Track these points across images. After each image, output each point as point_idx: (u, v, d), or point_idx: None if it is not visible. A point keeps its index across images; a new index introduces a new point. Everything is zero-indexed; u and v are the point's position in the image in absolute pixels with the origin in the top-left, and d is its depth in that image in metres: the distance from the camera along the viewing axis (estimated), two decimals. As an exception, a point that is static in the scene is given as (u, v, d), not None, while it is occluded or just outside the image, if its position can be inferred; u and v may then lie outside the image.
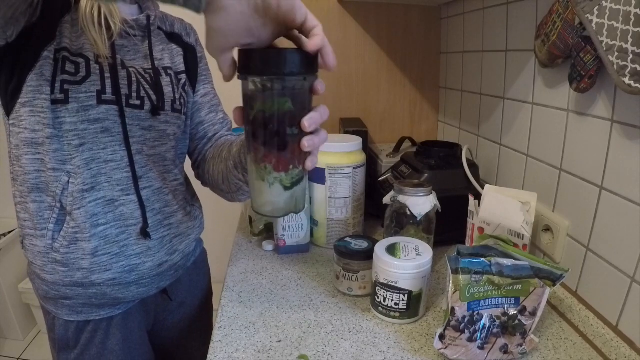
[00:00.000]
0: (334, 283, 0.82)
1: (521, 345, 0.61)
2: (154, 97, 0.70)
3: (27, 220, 0.66)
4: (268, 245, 0.98)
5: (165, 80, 0.73)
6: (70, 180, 0.63)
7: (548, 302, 0.71)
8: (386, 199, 0.85)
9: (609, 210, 0.65)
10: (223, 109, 0.87)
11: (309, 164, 0.51)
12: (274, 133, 0.49)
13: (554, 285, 0.61)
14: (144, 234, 0.70)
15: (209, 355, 0.64)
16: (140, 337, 0.79)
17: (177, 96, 0.75)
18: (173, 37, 0.79)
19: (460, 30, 1.18)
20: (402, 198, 0.81)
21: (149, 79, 0.70)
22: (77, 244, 0.65)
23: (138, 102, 0.68)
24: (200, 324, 0.93)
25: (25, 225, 0.67)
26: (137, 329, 0.79)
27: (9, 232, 1.94)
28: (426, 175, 0.94)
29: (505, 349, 0.61)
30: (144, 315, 0.81)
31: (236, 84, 0.48)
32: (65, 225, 0.65)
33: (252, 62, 0.46)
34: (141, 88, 0.68)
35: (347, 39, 1.29)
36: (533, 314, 0.61)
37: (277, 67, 0.45)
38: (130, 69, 0.68)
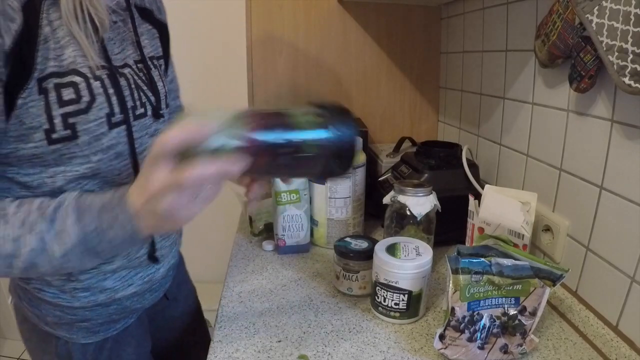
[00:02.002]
0: (334, 283, 0.82)
1: (521, 345, 0.61)
2: (152, 99, 0.64)
3: None
4: (268, 245, 0.98)
5: (155, 74, 0.66)
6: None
7: (548, 302, 0.71)
8: (386, 199, 0.85)
9: (609, 210, 0.65)
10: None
11: None
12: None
13: (554, 285, 0.61)
14: (152, 249, 0.68)
15: (209, 356, 0.64)
16: (147, 341, 0.79)
17: (166, 88, 0.69)
18: (145, 14, 0.67)
19: (460, 30, 1.18)
20: (402, 198, 0.81)
21: (143, 77, 0.63)
22: (99, 267, 0.62)
23: (142, 110, 0.62)
24: (191, 317, 0.93)
25: None
26: (145, 334, 0.78)
27: (9, 232, 1.93)
28: (426, 175, 0.94)
29: (505, 349, 0.61)
30: (149, 320, 0.81)
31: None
32: None
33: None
34: (141, 93, 0.62)
35: (347, 39, 1.28)
36: (533, 314, 0.61)
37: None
38: (126, 71, 0.60)
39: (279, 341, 0.67)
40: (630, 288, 0.61)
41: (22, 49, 0.47)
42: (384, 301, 0.70)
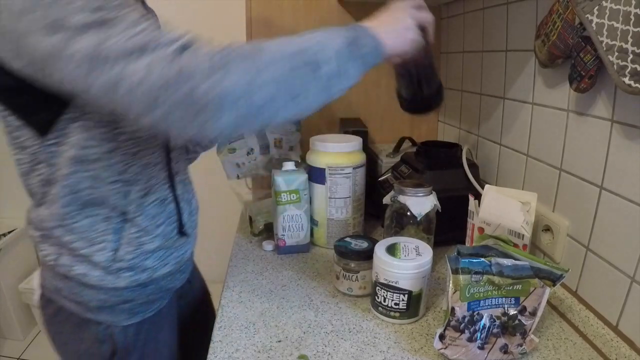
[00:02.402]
0: (334, 283, 0.82)
1: (521, 345, 0.61)
2: None
3: (76, 240, 0.61)
4: (268, 245, 0.98)
5: None
6: (130, 189, 0.63)
7: (548, 302, 0.71)
8: (386, 199, 0.85)
9: (609, 210, 0.65)
10: None
11: None
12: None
13: (554, 285, 0.61)
14: (180, 225, 0.73)
15: (209, 356, 0.64)
16: (176, 324, 0.83)
17: None
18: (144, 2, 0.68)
19: (460, 30, 1.18)
20: (402, 198, 0.81)
21: None
22: (142, 247, 0.66)
23: None
24: (206, 297, 0.99)
25: (75, 247, 0.62)
26: (174, 317, 0.82)
27: (9, 232, 1.94)
28: (426, 175, 0.94)
29: (505, 349, 0.61)
30: (177, 301, 0.84)
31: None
32: (124, 233, 0.64)
33: None
34: None
35: (347, 39, 1.28)
36: (533, 314, 0.61)
37: None
38: None
39: (279, 341, 0.67)
40: (630, 288, 0.61)
41: None
42: (384, 301, 0.70)
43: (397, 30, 0.61)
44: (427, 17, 0.65)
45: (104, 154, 0.59)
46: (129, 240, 0.64)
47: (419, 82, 0.73)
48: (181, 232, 0.73)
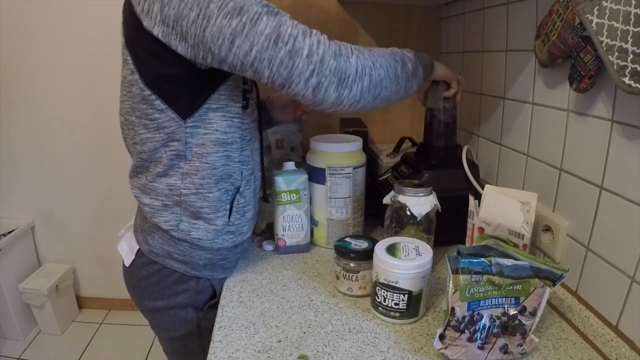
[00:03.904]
0: (334, 283, 0.82)
1: (521, 345, 0.61)
2: None
3: (206, 207, 0.75)
4: (268, 245, 0.98)
5: None
6: (244, 168, 0.79)
7: (548, 302, 0.71)
8: (386, 199, 0.85)
9: (609, 210, 0.65)
10: None
11: None
12: None
13: (554, 285, 0.61)
14: (264, 195, 0.94)
15: (209, 356, 0.64)
16: None
17: None
18: None
19: (460, 30, 1.18)
20: (402, 198, 0.81)
21: None
22: (245, 214, 0.82)
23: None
24: None
25: (203, 212, 0.75)
26: None
27: (9, 232, 1.94)
28: (426, 175, 0.94)
29: (505, 349, 0.61)
30: None
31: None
32: (235, 202, 0.79)
33: None
34: None
35: (347, 39, 1.27)
36: (533, 314, 0.61)
37: None
38: None
39: (279, 341, 0.67)
40: (630, 288, 0.61)
41: None
42: (384, 301, 0.70)
43: (441, 64, 0.86)
44: (459, 83, 0.91)
45: (237, 138, 0.75)
46: (238, 209, 0.80)
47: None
48: (264, 197, 0.94)
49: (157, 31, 0.62)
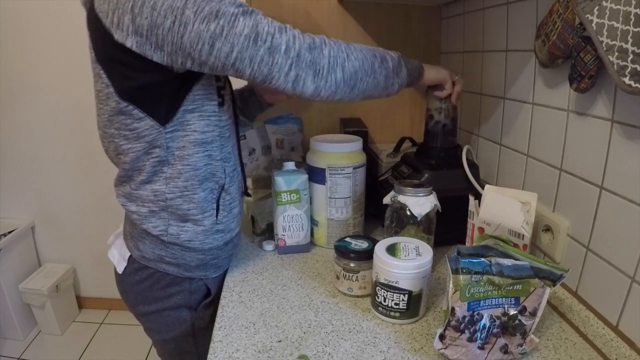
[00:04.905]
0: (334, 283, 0.82)
1: (521, 345, 0.61)
2: None
3: (192, 208, 0.75)
4: (268, 245, 0.98)
5: None
6: (226, 165, 0.78)
7: (548, 302, 0.71)
8: (386, 199, 0.85)
9: (609, 210, 0.65)
10: None
11: None
12: None
13: (554, 285, 0.61)
14: (245, 188, 0.92)
15: (209, 356, 0.64)
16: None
17: None
18: None
19: (460, 30, 1.18)
20: (402, 198, 0.81)
21: None
22: (231, 211, 0.82)
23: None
24: None
25: (190, 214, 0.76)
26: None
27: (9, 232, 1.94)
28: (426, 175, 0.94)
29: (505, 349, 0.61)
30: None
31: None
32: (221, 200, 0.79)
33: None
34: None
35: (347, 39, 1.27)
36: (533, 314, 0.61)
37: None
38: None
39: (279, 341, 0.67)
40: (630, 288, 0.61)
41: None
42: (384, 301, 0.70)
43: (435, 68, 0.87)
44: (459, 86, 0.90)
45: (216, 136, 0.75)
46: (224, 207, 0.80)
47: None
48: (246, 192, 0.93)
49: (131, 42, 0.61)
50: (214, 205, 0.78)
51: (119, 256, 0.84)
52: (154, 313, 0.84)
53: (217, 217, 0.79)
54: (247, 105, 1.01)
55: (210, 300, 0.85)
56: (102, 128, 0.72)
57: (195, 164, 0.73)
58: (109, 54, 0.64)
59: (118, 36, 0.61)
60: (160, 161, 0.72)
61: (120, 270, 0.84)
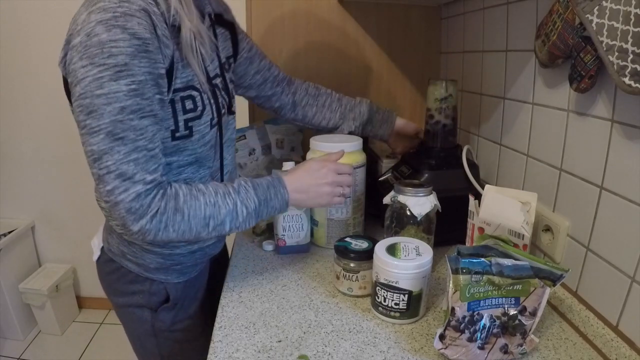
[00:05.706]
0: (334, 283, 0.82)
1: (521, 345, 0.61)
2: (226, 99, 0.80)
3: None
4: (268, 245, 0.98)
5: (228, 76, 0.82)
6: (199, 179, 0.76)
7: (548, 302, 0.71)
8: (386, 199, 0.85)
9: (609, 210, 0.65)
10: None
11: None
12: None
13: (554, 285, 0.61)
14: None
15: (209, 356, 0.64)
16: (206, 282, 0.94)
17: (234, 85, 0.87)
18: (218, 19, 0.81)
19: (460, 30, 1.18)
20: (402, 198, 0.81)
21: (221, 81, 0.78)
22: None
23: (224, 110, 0.78)
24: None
25: None
26: (208, 278, 0.95)
27: (9, 232, 1.94)
28: (426, 175, 0.94)
29: (505, 349, 0.61)
30: (211, 264, 0.96)
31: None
32: None
33: None
34: (223, 95, 0.78)
35: (347, 39, 1.29)
36: (533, 314, 0.61)
37: None
38: (217, 81, 0.76)
39: (279, 341, 0.67)
40: (630, 288, 0.61)
41: (169, 70, 0.64)
42: (384, 301, 0.70)
43: (309, 197, 0.78)
44: (346, 180, 0.81)
45: (189, 162, 0.73)
46: None
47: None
48: None
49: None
50: None
51: (97, 245, 0.86)
52: (122, 307, 0.85)
53: None
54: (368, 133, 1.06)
55: (170, 305, 0.84)
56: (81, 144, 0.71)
57: None
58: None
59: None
60: None
61: (94, 258, 0.86)
